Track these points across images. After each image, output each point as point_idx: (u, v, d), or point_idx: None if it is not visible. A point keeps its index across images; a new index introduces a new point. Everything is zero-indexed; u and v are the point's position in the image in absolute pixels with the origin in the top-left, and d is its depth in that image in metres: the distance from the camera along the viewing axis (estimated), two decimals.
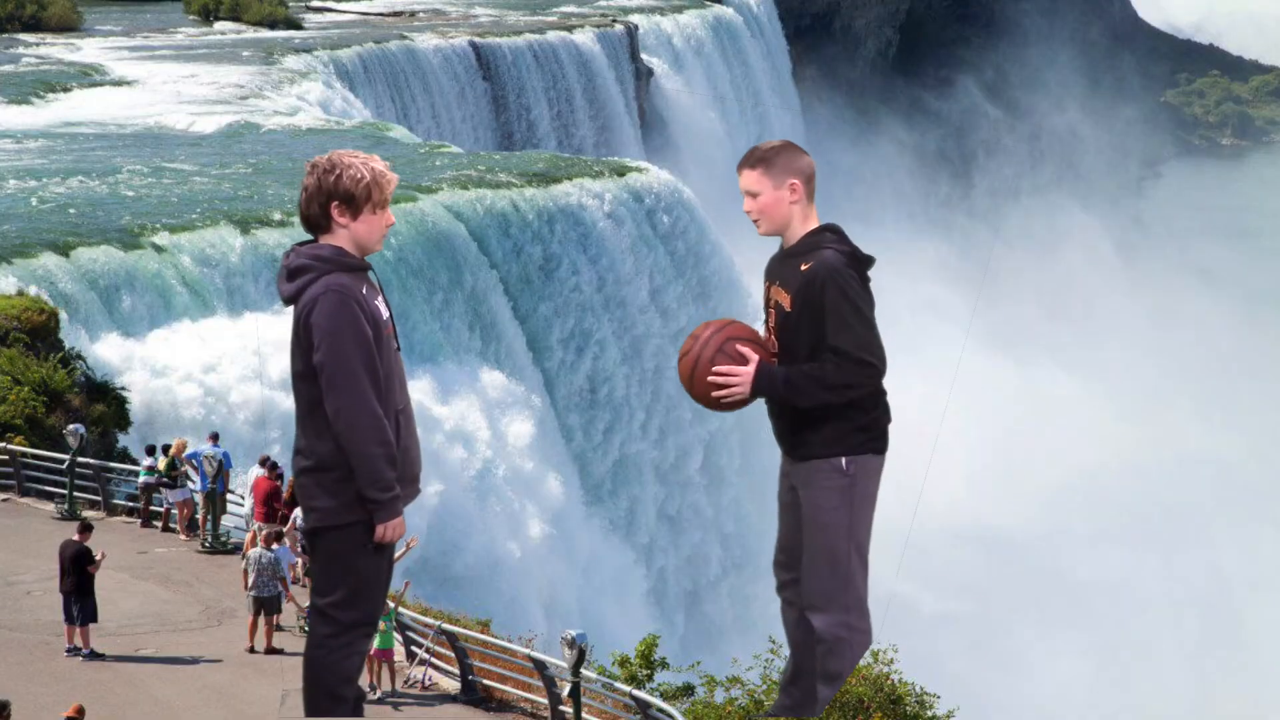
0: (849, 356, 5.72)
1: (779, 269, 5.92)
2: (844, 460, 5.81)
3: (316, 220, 5.65)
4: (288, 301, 5.56)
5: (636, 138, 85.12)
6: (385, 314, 5.64)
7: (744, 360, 5.78)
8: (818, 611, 5.81)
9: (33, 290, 33.71)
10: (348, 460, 5.55)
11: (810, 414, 5.80)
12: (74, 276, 35.53)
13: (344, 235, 5.63)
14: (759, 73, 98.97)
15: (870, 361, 5.77)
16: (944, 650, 46.26)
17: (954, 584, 58.05)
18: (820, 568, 5.78)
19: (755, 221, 5.93)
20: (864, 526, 5.84)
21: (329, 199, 5.61)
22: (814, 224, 5.87)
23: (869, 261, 5.83)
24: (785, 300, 5.82)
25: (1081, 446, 68.93)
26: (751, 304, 53.00)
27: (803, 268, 5.77)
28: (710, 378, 5.80)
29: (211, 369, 34.99)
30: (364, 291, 5.61)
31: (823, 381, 5.73)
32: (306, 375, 5.53)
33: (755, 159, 5.87)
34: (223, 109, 60.20)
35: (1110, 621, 57.95)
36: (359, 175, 5.62)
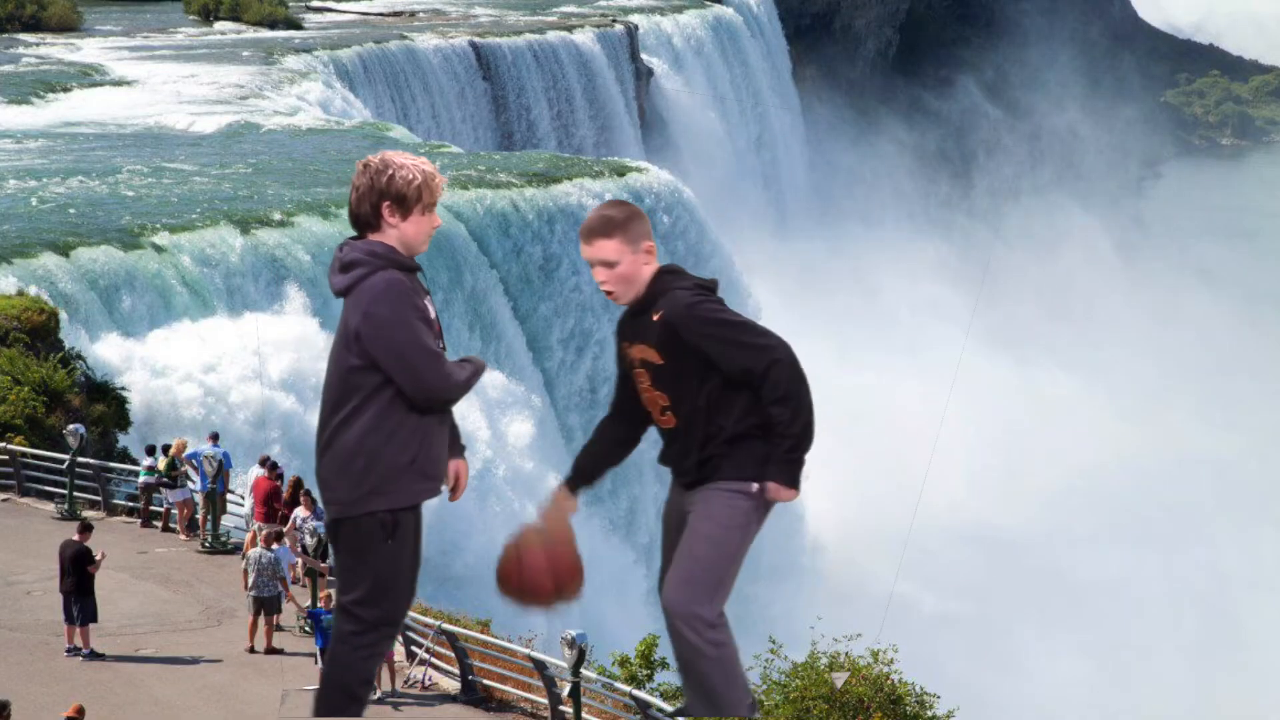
0: (757, 361, 5.49)
1: (633, 327, 5.65)
2: (754, 485, 5.57)
3: (367, 219, 5.65)
4: (340, 293, 5.52)
5: (636, 138, 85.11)
6: (433, 314, 5.66)
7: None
8: (679, 616, 5.61)
9: (33, 290, 33.72)
10: (368, 449, 5.54)
11: (727, 436, 5.58)
12: (74, 276, 35.53)
13: (393, 235, 5.63)
14: (759, 73, 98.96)
15: (770, 344, 5.51)
16: (944, 650, 46.24)
17: (954, 584, 58.04)
18: (694, 567, 5.58)
19: (611, 294, 5.63)
20: (741, 561, 5.65)
21: (380, 198, 5.61)
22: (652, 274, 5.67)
23: (713, 285, 5.62)
24: (654, 355, 5.56)
25: (1081, 446, 68.92)
26: (751, 304, 53.02)
27: (655, 318, 5.53)
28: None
29: (211, 369, 34.99)
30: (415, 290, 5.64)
31: (787, 408, 5.51)
32: (358, 367, 5.49)
33: (611, 227, 5.58)
34: (223, 109, 60.21)
35: (1110, 621, 57.93)
36: (410, 176, 5.63)
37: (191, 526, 25.88)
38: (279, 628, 21.04)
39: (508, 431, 41.75)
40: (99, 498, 27.41)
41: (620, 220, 5.59)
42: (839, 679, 20.31)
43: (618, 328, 5.76)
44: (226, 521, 25.62)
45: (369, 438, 5.54)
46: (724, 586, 5.64)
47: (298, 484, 23.41)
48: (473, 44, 78.26)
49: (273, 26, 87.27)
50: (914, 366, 64.42)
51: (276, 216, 41.27)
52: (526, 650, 19.53)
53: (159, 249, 37.94)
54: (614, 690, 19.20)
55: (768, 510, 5.65)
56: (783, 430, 5.51)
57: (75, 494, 27.07)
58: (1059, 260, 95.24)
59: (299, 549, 22.07)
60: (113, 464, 28.48)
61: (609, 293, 5.64)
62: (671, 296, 5.53)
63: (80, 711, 16.53)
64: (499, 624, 23.98)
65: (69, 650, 20.18)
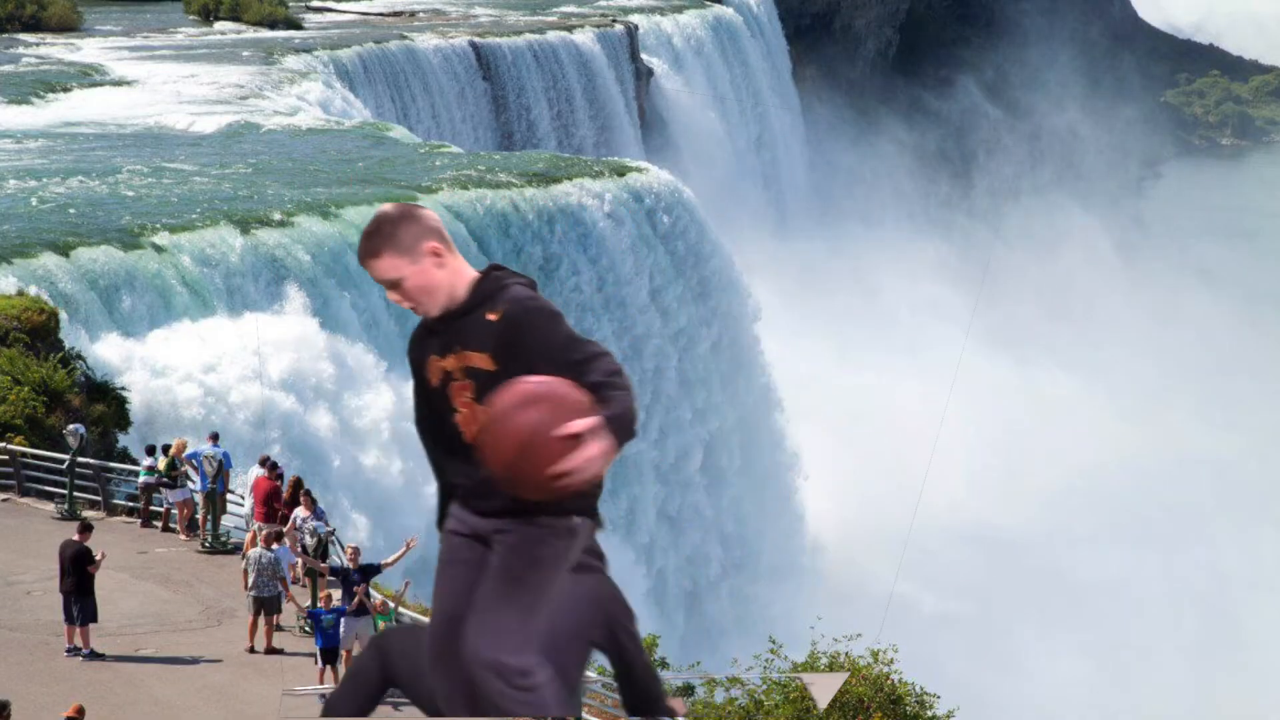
0: (588, 350, 4.87)
1: (451, 334, 4.94)
2: (577, 520, 4.96)
3: None
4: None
5: (636, 138, 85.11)
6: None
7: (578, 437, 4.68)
8: (485, 665, 4.86)
9: (33, 290, 33.72)
10: None
11: None
12: (74, 276, 35.54)
13: None
14: (759, 73, 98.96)
15: (615, 376, 4.84)
16: (944, 650, 46.25)
17: (954, 584, 58.05)
18: (505, 610, 4.89)
19: (414, 309, 4.96)
20: (549, 602, 4.96)
21: None
22: (469, 274, 5.00)
23: (534, 285, 5.06)
24: (483, 360, 4.87)
25: (1081, 446, 68.93)
26: (751, 304, 53.03)
27: (491, 317, 4.89)
28: (553, 467, 4.68)
29: (211, 369, 34.99)
30: None
31: (626, 391, 4.81)
32: None
33: (378, 244, 4.92)
34: (223, 109, 60.21)
35: (1110, 621, 57.95)
36: None
37: (191, 526, 25.88)
38: (279, 628, 21.05)
39: None
40: (99, 498, 27.41)
41: (386, 232, 4.94)
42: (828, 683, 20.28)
43: (414, 343, 5.04)
44: (226, 521, 25.62)
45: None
46: (529, 636, 4.89)
47: (298, 484, 23.41)
48: (473, 44, 78.26)
49: (273, 26, 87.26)
50: (914, 366, 64.42)
51: (276, 216, 41.27)
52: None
53: (159, 249, 37.94)
54: (614, 690, 19.20)
55: (584, 545, 5.02)
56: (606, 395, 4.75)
57: (75, 494, 27.08)
58: (1059, 260, 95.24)
59: (299, 549, 22.07)
60: (113, 464, 28.49)
61: (414, 309, 4.98)
62: (512, 292, 4.94)
63: (80, 711, 16.53)
64: None
65: (69, 650, 20.18)
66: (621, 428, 4.73)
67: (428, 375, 4.97)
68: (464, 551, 4.97)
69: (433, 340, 4.97)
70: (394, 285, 4.93)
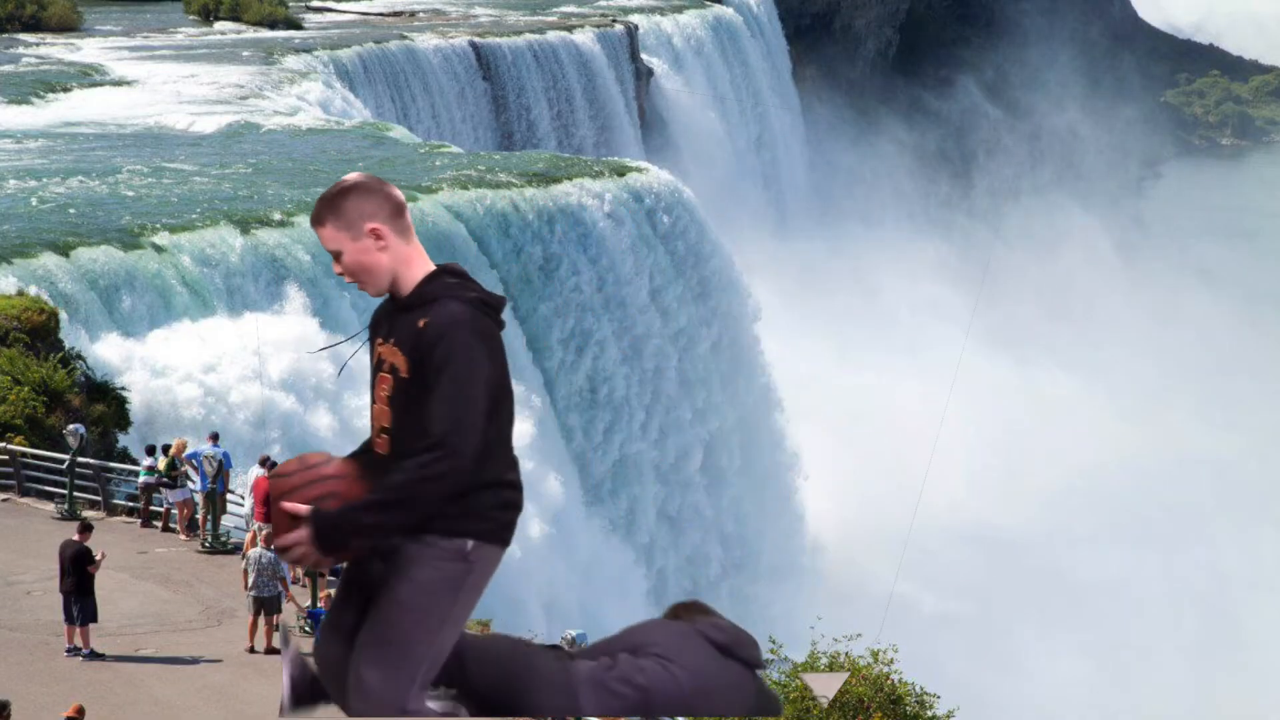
0: (436, 430, 4.51)
1: (391, 323, 4.71)
2: (470, 544, 4.61)
3: None
4: None
5: (636, 138, 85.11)
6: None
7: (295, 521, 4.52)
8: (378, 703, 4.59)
9: (33, 290, 33.72)
10: None
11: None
12: (74, 276, 35.54)
13: None
14: (759, 73, 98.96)
15: (448, 446, 4.49)
16: (944, 650, 46.25)
17: (954, 584, 58.05)
18: (394, 641, 4.60)
19: (358, 286, 4.75)
20: (457, 629, 4.64)
21: None
22: (422, 266, 4.72)
23: (499, 303, 4.68)
24: (402, 364, 4.62)
25: (1081, 446, 68.93)
26: (751, 304, 53.03)
27: (420, 324, 4.60)
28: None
29: (211, 369, 35.00)
30: None
31: (391, 495, 4.49)
32: None
33: (324, 211, 4.70)
34: (223, 109, 60.21)
35: (1110, 621, 57.95)
36: None
37: (191, 526, 25.88)
38: (279, 628, 21.04)
39: None
40: (99, 498, 27.41)
41: (335, 203, 4.70)
42: (828, 683, 20.27)
43: (374, 318, 4.82)
44: (226, 521, 25.63)
45: None
46: (430, 666, 4.60)
47: None
48: (473, 44, 78.26)
49: (273, 26, 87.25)
50: (914, 366, 64.43)
51: (276, 216, 41.27)
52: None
53: (159, 249, 37.94)
54: None
55: (486, 575, 4.67)
56: (384, 484, 4.52)
57: (75, 494, 27.08)
58: (1059, 260, 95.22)
59: None
60: (113, 464, 28.49)
61: (357, 285, 4.77)
62: (446, 307, 4.59)
63: (80, 711, 16.53)
64: (499, 624, 23.97)
65: (69, 650, 20.18)
66: (324, 532, 4.48)
67: (372, 353, 4.79)
68: (351, 572, 4.68)
69: (383, 321, 4.76)
70: (335, 257, 4.74)
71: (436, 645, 4.60)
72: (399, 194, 4.79)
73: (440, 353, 4.56)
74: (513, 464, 4.72)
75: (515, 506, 4.70)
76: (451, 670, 4.70)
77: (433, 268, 4.74)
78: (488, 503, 4.62)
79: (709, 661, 4.73)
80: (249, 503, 24.26)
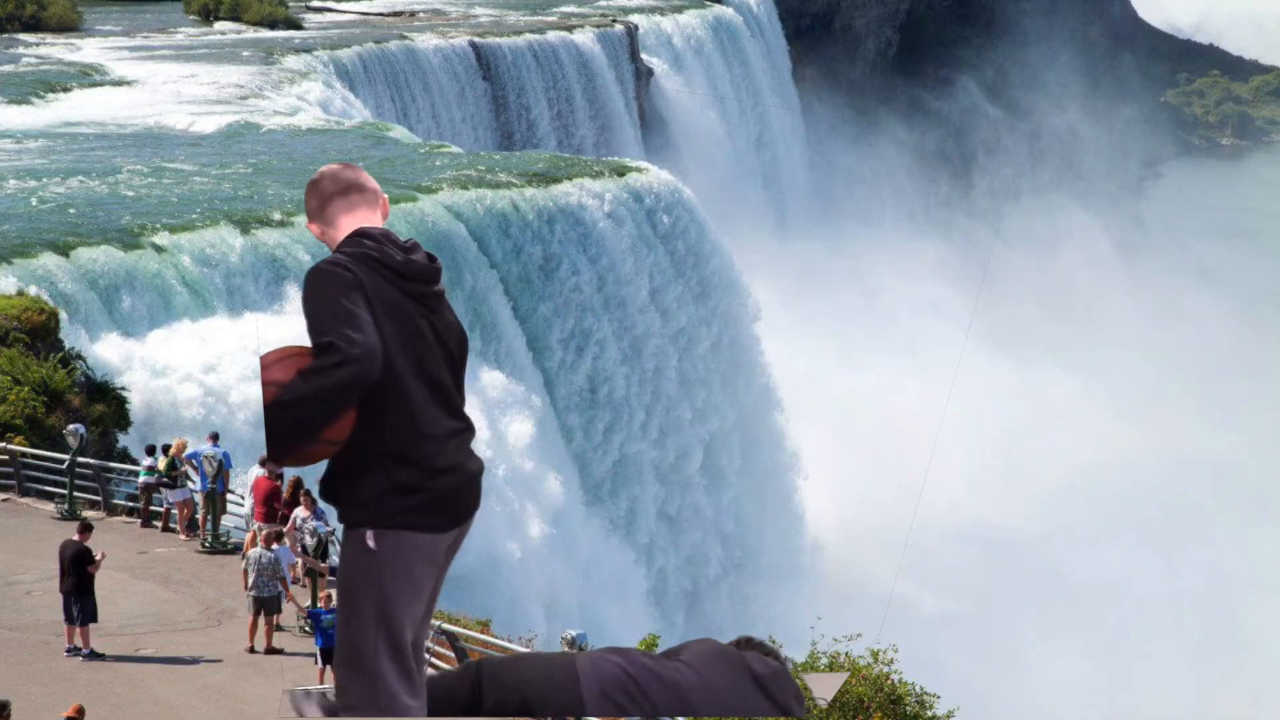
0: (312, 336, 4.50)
1: None
2: (369, 534, 4.51)
3: None
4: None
5: (636, 138, 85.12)
6: None
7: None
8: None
9: (33, 290, 33.72)
10: None
11: (345, 461, 4.53)
12: (74, 276, 35.54)
13: None
14: (759, 73, 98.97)
15: (325, 343, 4.43)
16: (944, 650, 46.25)
17: (954, 584, 58.06)
18: (341, 646, 4.60)
19: None
20: (405, 615, 4.51)
21: None
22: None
23: (380, 255, 4.64)
24: None
25: (1081, 446, 68.93)
26: (751, 304, 53.03)
27: None
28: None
29: (211, 369, 35.00)
30: None
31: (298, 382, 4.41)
32: None
33: (305, 204, 4.91)
34: (223, 109, 60.20)
35: (1110, 621, 57.96)
36: None
37: (191, 526, 25.88)
38: (279, 628, 21.04)
39: (508, 431, 41.76)
40: (99, 498, 27.41)
41: (306, 197, 4.88)
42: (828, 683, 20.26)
43: None
44: (226, 521, 25.62)
45: None
46: (392, 657, 4.50)
47: (298, 484, 23.39)
48: (473, 44, 78.26)
49: (273, 26, 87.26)
50: (914, 366, 64.43)
51: (276, 216, 41.27)
52: (526, 650, 19.53)
53: (159, 249, 37.95)
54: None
55: (412, 560, 4.53)
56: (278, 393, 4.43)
57: (75, 494, 27.08)
58: (1059, 260, 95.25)
59: (299, 549, 22.06)
60: (113, 464, 28.49)
61: None
62: (318, 263, 4.70)
63: (80, 711, 16.53)
64: (499, 624, 24.00)
65: (69, 650, 20.18)
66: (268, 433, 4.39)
67: None
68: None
69: None
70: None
71: (383, 636, 4.48)
72: (345, 176, 4.83)
73: (305, 298, 4.58)
74: (424, 438, 4.61)
75: (413, 489, 4.54)
76: (466, 699, 4.65)
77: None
78: (377, 486, 4.50)
79: (734, 679, 4.66)
80: (249, 503, 24.25)
